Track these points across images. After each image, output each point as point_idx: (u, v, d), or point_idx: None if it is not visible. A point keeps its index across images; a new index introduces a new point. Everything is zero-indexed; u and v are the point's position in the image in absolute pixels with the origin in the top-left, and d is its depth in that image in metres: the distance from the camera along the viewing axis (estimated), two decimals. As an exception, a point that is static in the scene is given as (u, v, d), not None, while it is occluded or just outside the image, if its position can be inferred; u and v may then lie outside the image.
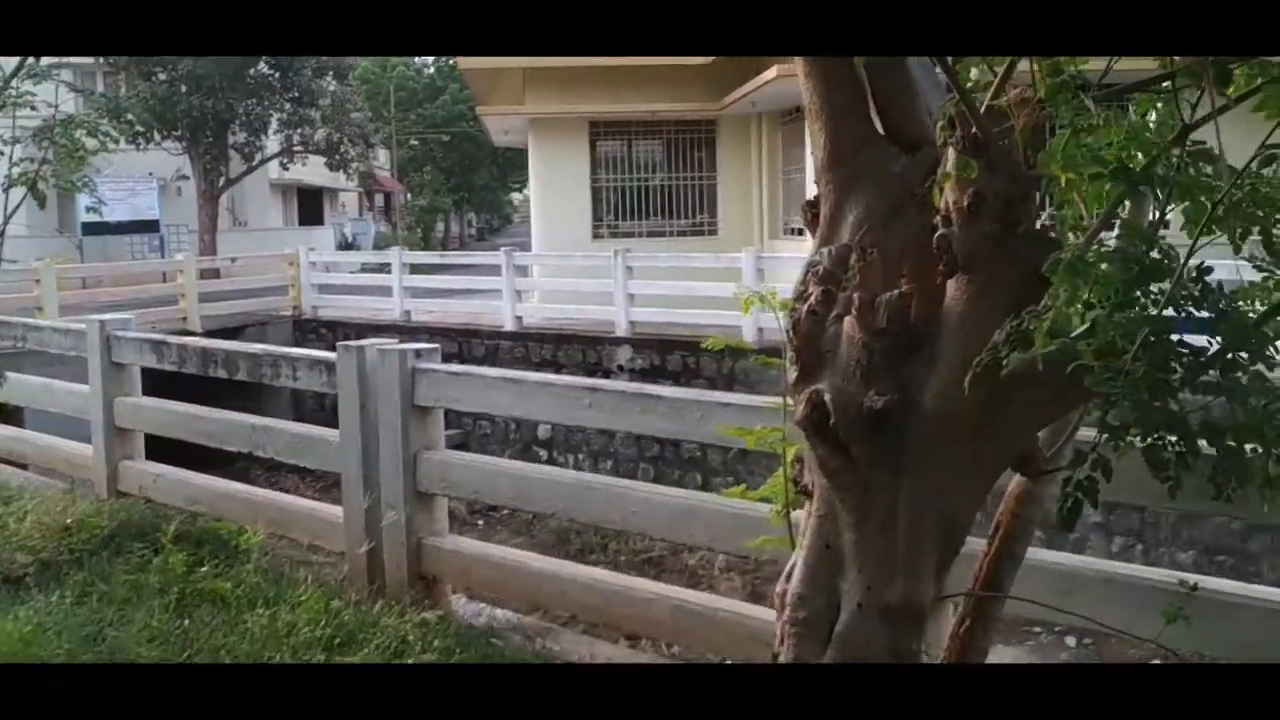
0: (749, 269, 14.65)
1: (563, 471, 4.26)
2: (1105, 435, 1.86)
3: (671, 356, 15.49)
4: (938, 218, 2.12)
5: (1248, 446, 1.88)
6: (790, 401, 3.01)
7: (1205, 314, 1.82)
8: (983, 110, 2.00)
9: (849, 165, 2.40)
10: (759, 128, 20.10)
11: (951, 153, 2.05)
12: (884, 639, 2.28)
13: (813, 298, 2.29)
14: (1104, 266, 1.87)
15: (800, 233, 18.36)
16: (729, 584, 12.94)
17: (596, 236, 20.38)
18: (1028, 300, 2.07)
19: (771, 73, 15.47)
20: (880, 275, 2.26)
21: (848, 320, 2.24)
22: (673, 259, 17.13)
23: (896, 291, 2.16)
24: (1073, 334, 1.76)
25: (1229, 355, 1.85)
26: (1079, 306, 1.88)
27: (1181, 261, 1.80)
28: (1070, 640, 7.52)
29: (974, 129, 1.98)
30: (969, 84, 2.12)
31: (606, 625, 4.19)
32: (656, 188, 20.88)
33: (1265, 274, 1.98)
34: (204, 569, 4.56)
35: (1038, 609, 2.74)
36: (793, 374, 2.33)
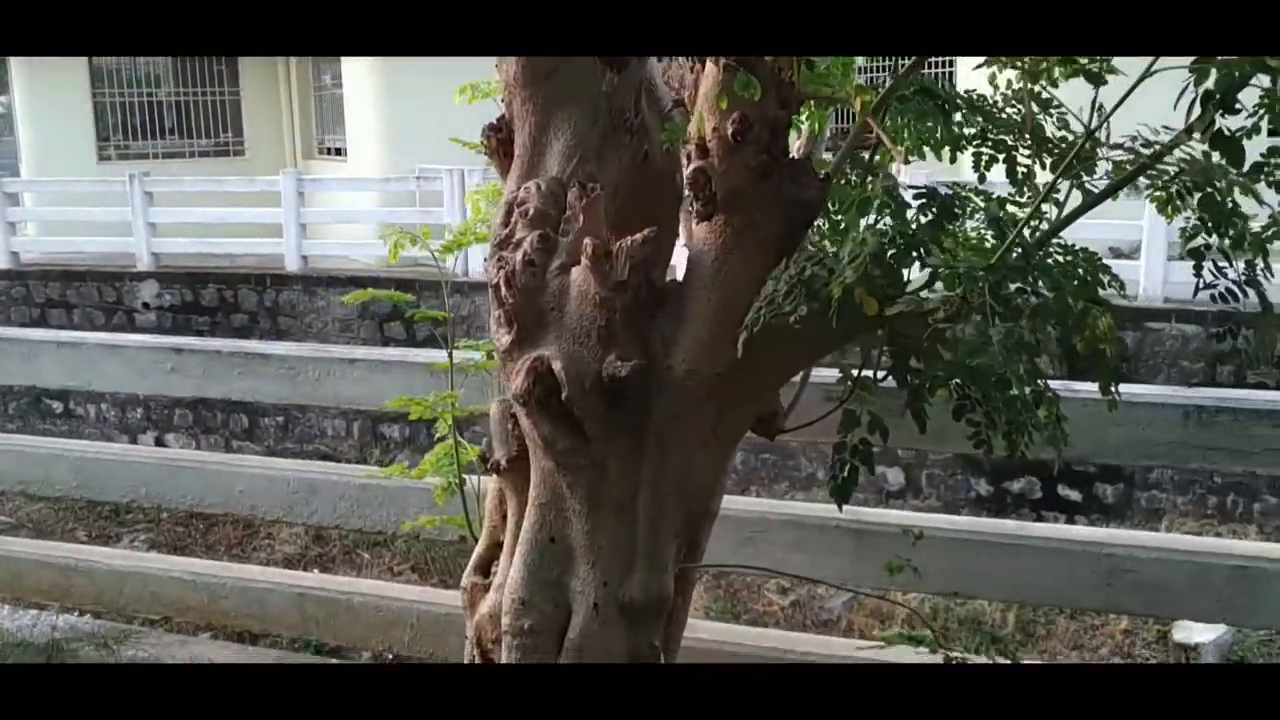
0: (289, 193, 13.62)
1: (143, 450, 3.53)
2: (909, 393, 1.65)
3: (206, 290, 14.15)
4: (689, 148, 1.79)
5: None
6: (459, 359, 2.59)
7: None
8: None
9: (548, 83, 2.00)
10: (285, 39, 18.70)
11: (711, 70, 1.71)
12: (624, 640, 1.97)
13: (527, 244, 1.88)
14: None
15: (338, 152, 17.43)
16: (289, 530, 12.26)
17: (104, 159, 18.17)
18: (789, 244, 1.81)
19: (299, -22, 14.30)
20: (606, 216, 1.90)
21: (576, 271, 1.85)
22: (200, 183, 15.57)
23: (640, 236, 1.80)
24: (910, 288, 1.50)
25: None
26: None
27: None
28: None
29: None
30: None
31: (213, 625, 3.57)
32: (170, 103, 18.93)
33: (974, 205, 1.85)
34: None
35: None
36: (505, 337, 1.91)
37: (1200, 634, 6.21)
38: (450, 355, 2.50)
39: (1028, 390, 1.72)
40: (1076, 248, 1.83)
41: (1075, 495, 9.01)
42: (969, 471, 9.98)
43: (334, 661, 3.56)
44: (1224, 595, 2.49)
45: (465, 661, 2.28)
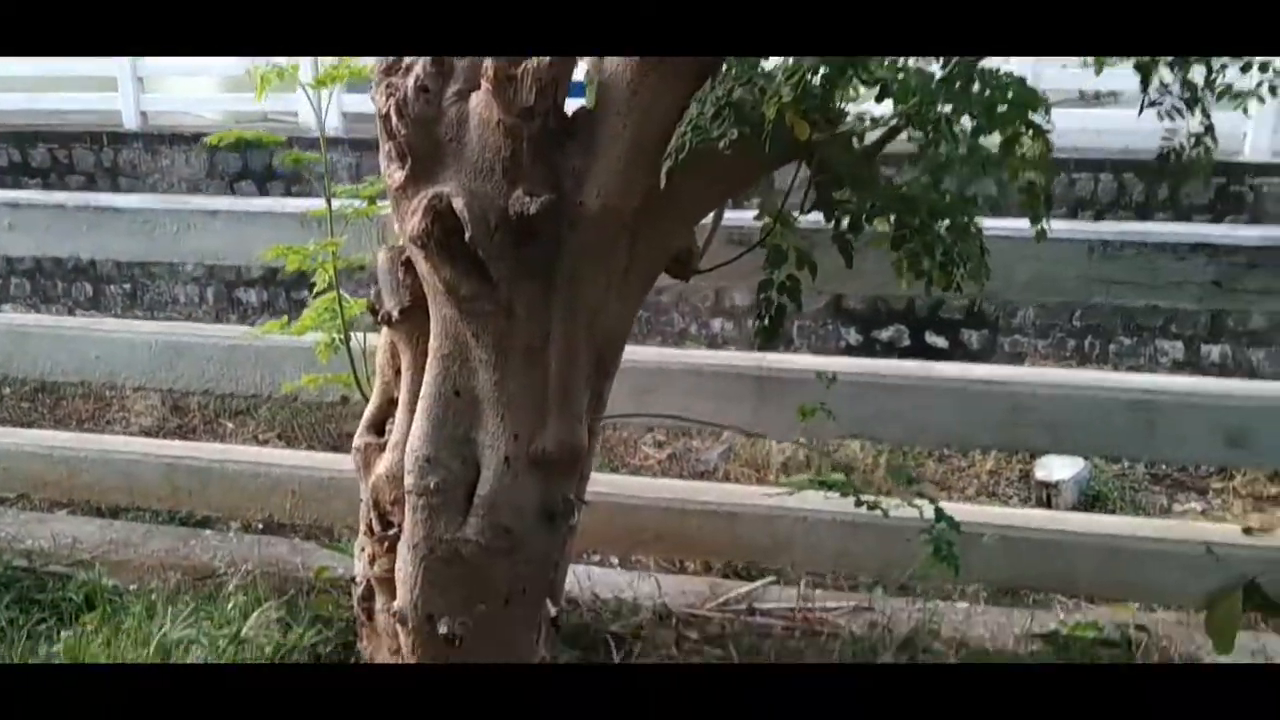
0: (122, 44, 12.67)
1: (-17, 316, 3.23)
2: (845, 225, 1.54)
3: (35, 150, 13.17)
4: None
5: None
6: (336, 208, 2.39)
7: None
8: None
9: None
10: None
11: None
12: (537, 494, 1.86)
13: (419, 68, 1.69)
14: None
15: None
16: (145, 402, 11.79)
17: (-92, 6, 16.63)
18: (710, 63, 1.66)
19: None
20: (507, 35, 1.71)
21: (476, 97, 1.68)
22: (19, 33, 14.39)
23: (547, 57, 1.62)
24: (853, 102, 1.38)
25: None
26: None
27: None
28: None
29: None
30: None
31: (74, 500, 3.34)
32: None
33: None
34: None
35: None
36: (397, 174, 1.73)
37: (1059, 471, 6.44)
38: (329, 200, 2.29)
39: (966, 218, 1.65)
40: (1001, 72, 1.74)
41: (942, 342, 9.21)
42: (839, 320, 10.11)
43: (214, 537, 3.38)
44: (1123, 429, 2.51)
45: (362, 524, 2.15)
